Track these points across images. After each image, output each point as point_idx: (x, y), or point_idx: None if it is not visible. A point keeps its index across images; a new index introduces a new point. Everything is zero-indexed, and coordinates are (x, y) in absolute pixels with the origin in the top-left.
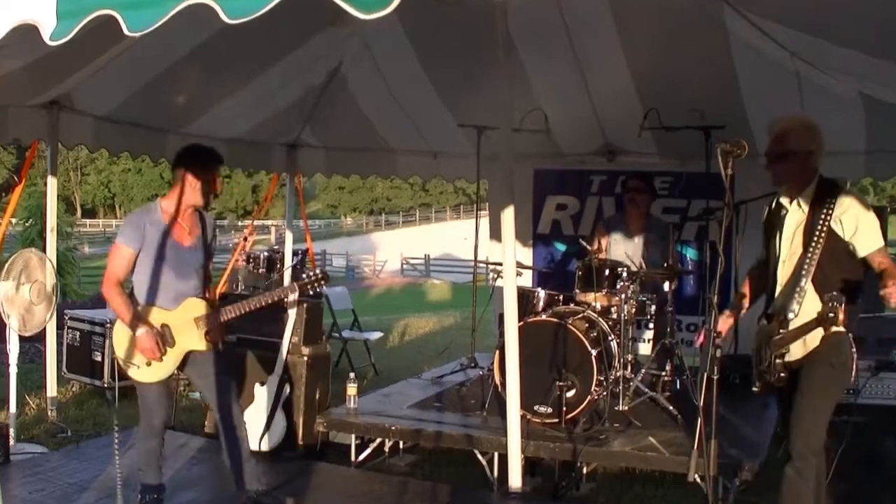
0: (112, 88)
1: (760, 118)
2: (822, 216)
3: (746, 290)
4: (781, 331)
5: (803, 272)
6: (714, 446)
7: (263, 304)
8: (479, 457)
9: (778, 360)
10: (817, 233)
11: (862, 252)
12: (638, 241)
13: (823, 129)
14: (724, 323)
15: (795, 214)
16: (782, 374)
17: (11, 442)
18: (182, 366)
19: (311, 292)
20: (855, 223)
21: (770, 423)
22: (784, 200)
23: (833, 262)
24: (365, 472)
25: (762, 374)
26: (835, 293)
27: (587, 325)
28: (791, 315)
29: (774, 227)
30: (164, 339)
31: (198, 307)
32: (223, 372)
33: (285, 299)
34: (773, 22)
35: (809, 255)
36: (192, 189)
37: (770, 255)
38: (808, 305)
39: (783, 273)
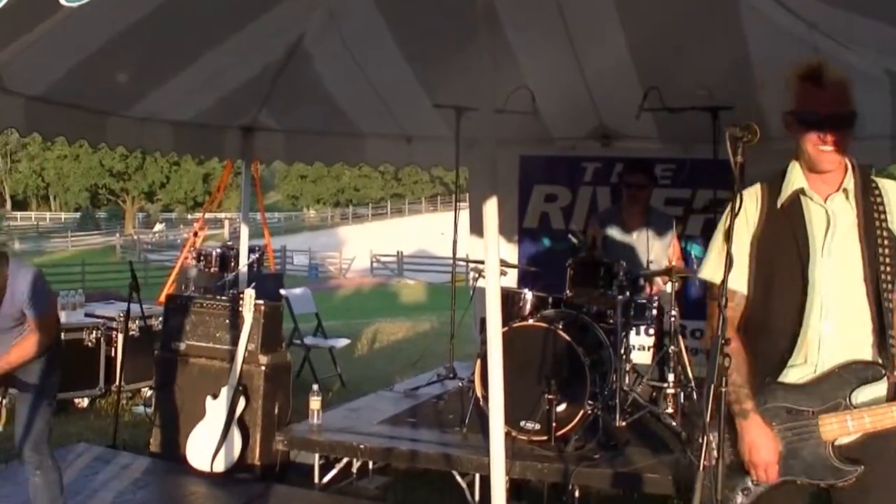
0: (46, 66)
1: (774, 99)
2: (876, 214)
3: (749, 373)
4: (845, 400)
5: (885, 303)
6: (723, 469)
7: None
8: (459, 479)
9: (831, 448)
10: (881, 239)
11: None
12: (637, 236)
13: None
14: (768, 449)
15: (845, 213)
16: (848, 477)
17: None
18: None
19: None
20: None
21: None
22: (811, 194)
23: None
24: (330, 495)
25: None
26: None
27: (580, 330)
28: (892, 370)
29: (794, 237)
30: None
31: None
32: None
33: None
34: None
35: (885, 274)
36: None
37: (761, 283)
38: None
39: (829, 302)
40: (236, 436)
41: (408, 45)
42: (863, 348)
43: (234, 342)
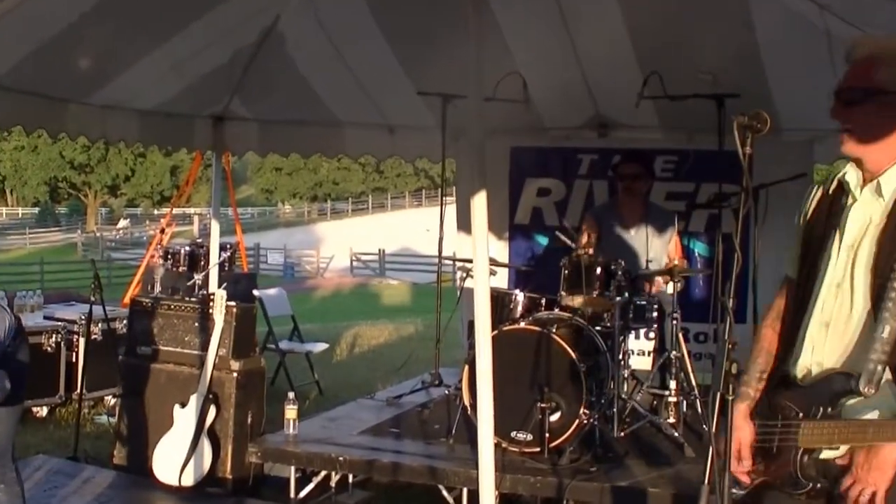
0: (1, 50)
1: (783, 85)
2: None
3: (764, 362)
4: (826, 409)
5: (886, 313)
6: (728, 481)
7: None
8: (445, 493)
9: (807, 457)
10: None
11: None
12: (635, 233)
13: None
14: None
15: (868, 206)
16: (818, 484)
17: None
18: None
19: None
20: None
21: None
22: (851, 178)
23: None
24: None
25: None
26: None
27: (575, 334)
28: (864, 386)
29: (827, 226)
30: None
31: None
32: None
33: None
34: None
35: (895, 283)
36: None
37: (805, 272)
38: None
39: (830, 303)
40: (206, 447)
41: (390, 26)
42: (859, 355)
43: (204, 347)
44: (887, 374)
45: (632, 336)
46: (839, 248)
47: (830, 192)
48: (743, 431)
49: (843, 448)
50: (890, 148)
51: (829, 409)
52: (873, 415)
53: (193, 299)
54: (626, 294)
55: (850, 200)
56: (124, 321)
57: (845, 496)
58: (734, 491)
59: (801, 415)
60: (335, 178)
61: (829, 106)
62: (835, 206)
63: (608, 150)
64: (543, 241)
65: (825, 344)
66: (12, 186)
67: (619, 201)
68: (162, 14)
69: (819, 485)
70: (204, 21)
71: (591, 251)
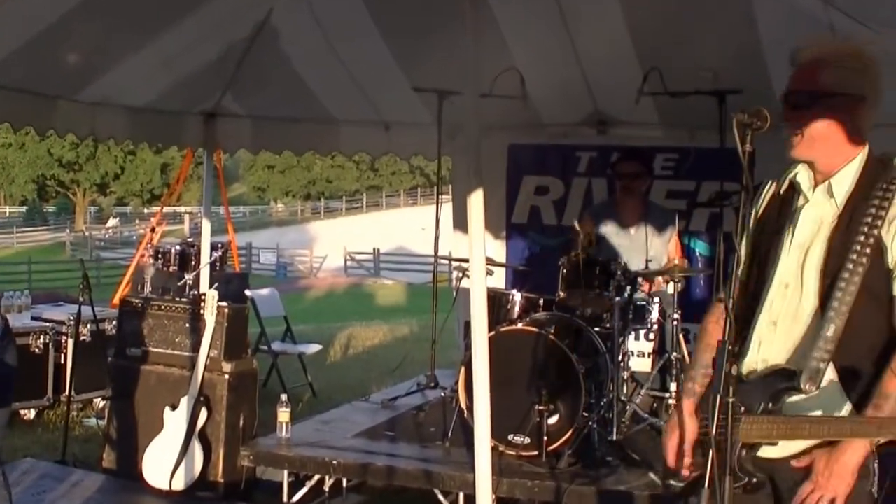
0: None
1: (785, 82)
2: (868, 218)
3: (709, 357)
4: (768, 405)
5: (831, 312)
6: (729, 485)
7: None
8: (441, 497)
9: (744, 452)
10: (858, 246)
11: None
12: (634, 232)
13: None
14: (690, 429)
15: (819, 207)
16: (754, 479)
17: None
18: None
19: None
20: None
21: None
22: (802, 179)
23: (868, 305)
24: None
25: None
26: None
27: (573, 335)
28: (805, 383)
29: (777, 224)
30: None
31: None
32: None
33: None
34: None
35: (843, 283)
36: None
37: (754, 270)
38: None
39: (779, 302)
40: (197, 451)
41: (386, 21)
42: (796, 356)
43: (195, 348)
44: (831, 374)
45: (631, 337)
46: (790, 247)
47: (782, 192)
48: (688, 428)
49: (794, 448)
50: (840, 149)
51: (771, 405)
52: (817, 413)
53: (184, 300)
54: (626, 294)
55: (801, 201)
56: (114, 322)
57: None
58: (671, 483)
59: (742, 410)
60: (329, 175)
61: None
62: (786, 206)
63: (607, 148)
64: (541, 240)
65: (773, 342)
66: (0, 184)
67: (617, 200)
68: (153, 8)
69: (755, 479)
70: (195, 15)
71: (592, 239)
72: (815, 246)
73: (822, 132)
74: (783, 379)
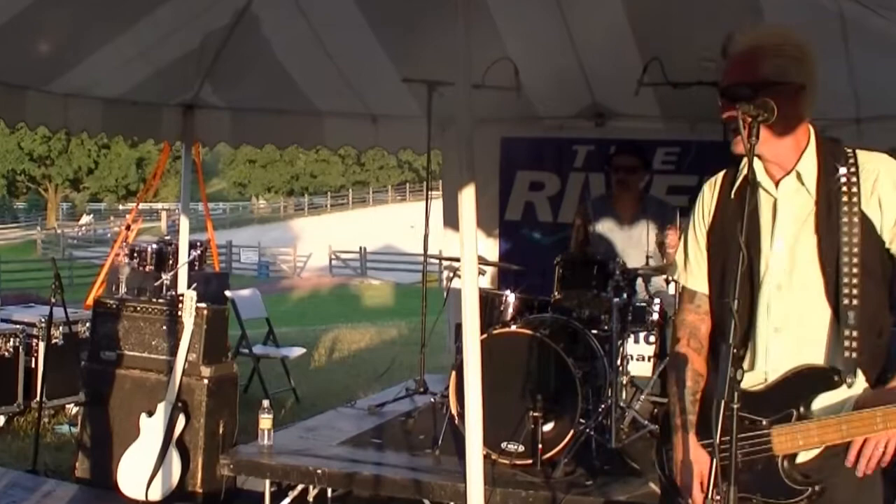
0: None
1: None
2: (844, 197)
3: (694, 383)
4: (799, 409)
5: (846, 300)
6: (734, 495)
7: None
8: None
9: (786, 463)
10: (846, 227)
11: None
12: (631, 229)
13: (877, 87)
14: (699, 463)
15: (793, 199)
16: (816, 487)
17: None
18: None
19: None
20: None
21: None
22: (762, 180)
23: (868, 283)
24: None
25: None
26: None
27: (569, 338)
28: (846, 376)
29: (748, 231)
30: None
31: None
32: None
33: None
34: None
35: (846, 268)
36: None
37: (723, 285)
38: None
39: (777, 306)
40: (175, 459)
41: (373, 9)
42: (818, 352)
43: (173, 352)
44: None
45: (631, 340)
46: (772, 247)
47: (732, 195)
48: (702, 462)
49: (811, 448)
50: (793, 138)
51: (802, 409)
52: (848, 407)
53: (161, 301)
54: (625, 295)
55: (763, 198)
56: (87, 324)
57: (858, 458)
58: None
59: (763, 422)
60: (313, 170)
61: (717, 105)
62: (741, 209)
63: (605, 141)
64: (536, 238)
65: (781, 348)
66: None
67: (614, 195)
68: None
69: (816, 487)
70: (171, 2)
71: (587, 249)
72: (803, 240)
73: (770, 123)
74: (812, 380)
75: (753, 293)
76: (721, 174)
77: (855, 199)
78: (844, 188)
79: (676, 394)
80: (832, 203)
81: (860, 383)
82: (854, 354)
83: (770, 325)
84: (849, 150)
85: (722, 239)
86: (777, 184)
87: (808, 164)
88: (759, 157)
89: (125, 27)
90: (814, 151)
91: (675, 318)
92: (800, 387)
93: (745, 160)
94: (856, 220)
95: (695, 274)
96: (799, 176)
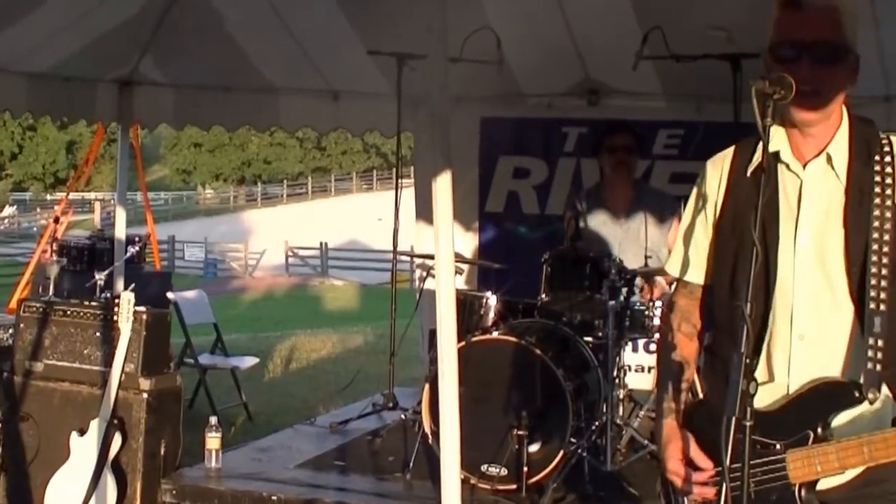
0: None
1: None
2: (877, 187)
3: (680, 370)
4: (817, 431)
5: (872, 304)
6: None
7: None
8: None
9: (804, 492)
10: (876, 222)
11: None
12: (626, 222)
13: None
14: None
15: (820, 185)
16: None
17: None
18: None
19: None
20: None
21: None
22: (789, 160)
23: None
24: None
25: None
26: None
27: (559, 346)
28: (867, 391)
29: (768, 219)
30: None
31: None
32: None
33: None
34: None
35: (874, 268)
36: None
37: (733, 279)
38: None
39: (803, 310)
40: (110, 483)
41: None
42: (840, 363)
43: (108, 362)
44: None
45: (628, 348)
46: (795, 243)
47: (749, 173)
48: (677, 441)
49: (831, 474)
50: (834, 114)
51: (820, 430)
52: (872, 427)
53: (94, 304)
54: (622, 297)
55: (790, 182)
56: (10, 330)
57: None
58: None
59: (778, 445)
60: (267, 156)
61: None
62: (758, 192)
63: (599, 122)
64: (521, 232)
65: (806, 360)
66: None
67: (607, 182)
68: None
69: None
70: None
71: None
72: (830, 233)
73: (832, 93)
74: (830, 396)
75: (769, 293)
76: (729, 151)
77: (889, 192)
78: (878, 178)
79: (661, 380)
80: (865, 192)
81: (885, 399)
82: (878, 367)
83: (794, 332)
84: (883, 136)
85: (733, 227)
86: (805, 165)
87: (840, 146)
88: (795, 131)
89: None
90: (846, 132)
91: (665, 302)
92: (816, 404)
93: (763, 134)
94: (888, 214)
95: (693, 265)
96: (829, 158)
